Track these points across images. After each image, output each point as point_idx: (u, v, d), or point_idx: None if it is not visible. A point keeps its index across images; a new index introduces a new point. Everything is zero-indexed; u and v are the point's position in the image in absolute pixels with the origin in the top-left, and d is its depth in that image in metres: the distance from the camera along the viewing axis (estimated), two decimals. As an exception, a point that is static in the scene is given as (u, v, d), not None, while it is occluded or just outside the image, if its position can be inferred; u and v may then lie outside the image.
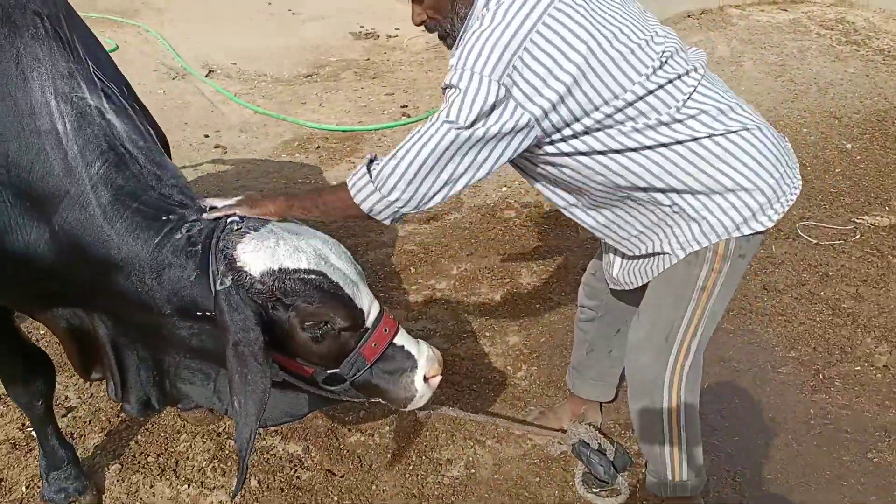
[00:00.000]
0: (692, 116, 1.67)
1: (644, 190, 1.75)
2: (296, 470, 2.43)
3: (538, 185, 1.92)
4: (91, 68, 1.62)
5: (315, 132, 5.17)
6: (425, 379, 1.80)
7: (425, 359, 1.79)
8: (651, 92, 1.63)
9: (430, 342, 3.01)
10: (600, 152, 1.69)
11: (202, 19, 7.88)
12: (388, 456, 2.51)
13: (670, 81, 1.65)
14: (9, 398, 2.27)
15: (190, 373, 1.90)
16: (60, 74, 1.56)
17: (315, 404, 1.95)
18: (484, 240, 3.84)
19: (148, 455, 2.44)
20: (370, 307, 1.72)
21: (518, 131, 1.60)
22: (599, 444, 2.35)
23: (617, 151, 1.69)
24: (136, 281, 1.60)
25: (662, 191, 1.74)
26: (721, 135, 1.69)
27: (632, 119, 1.64)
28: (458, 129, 1.57)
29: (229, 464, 2.43)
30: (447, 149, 1.60)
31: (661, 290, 1.94)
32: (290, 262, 1.60)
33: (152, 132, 1.75)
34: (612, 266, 2.11)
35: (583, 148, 1.68)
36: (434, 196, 1.68)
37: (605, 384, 2.57)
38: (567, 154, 1.71)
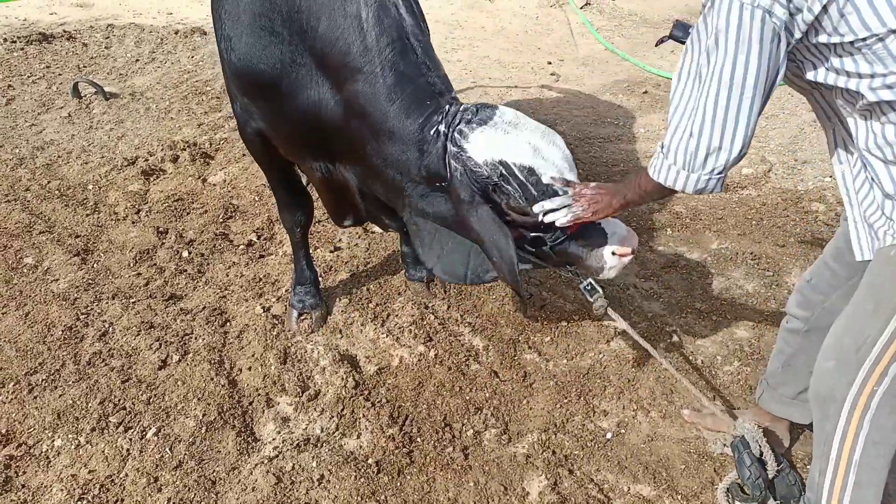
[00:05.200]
0: None
1: None
2: (469, 360, 2.72)
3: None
4: None
5: (649, 77, 5.07)
6: (614, 254, 2.02)
7: (617, 237, 2.02)
8: None
9: (648, 306, 2.97)
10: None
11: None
12: (552, 383, 2.62)
13: None
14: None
15: (416, 227, 2.25)
16: None
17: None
18: (768, 225, 3.44)
19: (371, 301, 2.99)
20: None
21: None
22: (761, 453, 2.11)
23: None
24: (400, 149, 1.98)
25: None
26: None
27: None
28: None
29: (413, 332, 2.82)
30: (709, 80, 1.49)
31: (865, 291, 1.66)
32: (508, 156, 1.89)
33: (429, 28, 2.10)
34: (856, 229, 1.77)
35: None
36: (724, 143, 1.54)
37: (799, 405, 2.24)
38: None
